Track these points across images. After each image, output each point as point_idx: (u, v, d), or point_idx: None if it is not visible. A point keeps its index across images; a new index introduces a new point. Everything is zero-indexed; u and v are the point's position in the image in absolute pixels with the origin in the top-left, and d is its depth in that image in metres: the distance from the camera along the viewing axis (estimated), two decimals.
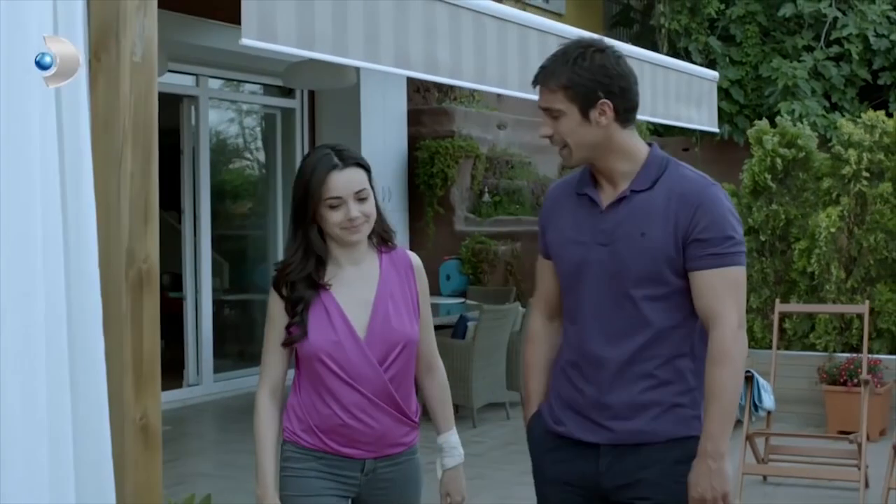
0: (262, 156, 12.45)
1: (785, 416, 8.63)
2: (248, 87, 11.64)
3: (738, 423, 7.04)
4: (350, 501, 3.18)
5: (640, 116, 7.80)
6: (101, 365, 2.70)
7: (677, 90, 8.28)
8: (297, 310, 3.07)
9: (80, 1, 2.69)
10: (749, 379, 6.76)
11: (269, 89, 11.64)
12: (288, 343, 3.11)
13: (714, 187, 2.95)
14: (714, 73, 8.87)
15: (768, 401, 6.81)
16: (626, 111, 2.92)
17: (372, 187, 3.13)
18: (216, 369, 10.57)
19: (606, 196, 2.99)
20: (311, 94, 11.75)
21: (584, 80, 2.86)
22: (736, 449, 7.06)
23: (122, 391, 2.85)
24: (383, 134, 11.94)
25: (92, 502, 2.68)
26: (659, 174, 2.95)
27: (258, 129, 12.41)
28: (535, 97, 3.04)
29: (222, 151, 11.81)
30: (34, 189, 2.54)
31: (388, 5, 4.80)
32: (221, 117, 11.69)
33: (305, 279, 3.09)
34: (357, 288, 3.13)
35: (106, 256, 2.77)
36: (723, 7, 16.36)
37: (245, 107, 12.00)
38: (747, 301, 9.46)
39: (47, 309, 2.57)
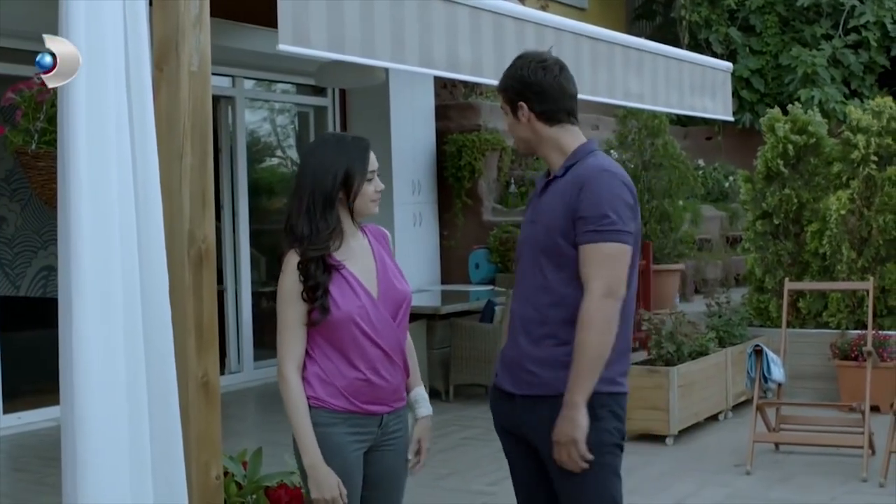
0: (296, 153, 12.82)
1: (800, 391, 8.98)
2: (281, 86, 12.01)
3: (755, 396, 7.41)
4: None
5: (654, 107, 8.26)
6: (169, 330, 3.14)
7: (691, 81, 8.50)
8: (317, 294, 3.34)
9: (145, 19, 3.13)
10: (759, 352, 7.14)
11: (301, 88, 12.01)
12: (313, 324, 3.36)
13: (604, 173, 3.35)
14: (728, 64, 9.14)
15: (777, 373, 7.14)
16: (544, 112, 3.44)
17: None
18: (256, 357, 10.98)
19: (543, 184, 3.52)
20: (343, 92, 12.08)
21: (507, 86, 3.48)
22: (748, 419, 7.45)
23: (186, 352, 3.31)
24: (412, 129, 12.26)
25: (162, 446, 3.13)
26: (573, 163, 3.41)
27: (292, 127, 12.79)
28: None
29: (258, 149, 12.20)
30: (111, 181, 2.99)
31: (413, 9, 5.06)
32: (257, 117, 12.08)
33: (318, 262, 3.35)
34: (361, 258, 3.47)
35: (171, 237, 3.22)
36: None
37: (279, 106, 12.39)
38: (762, 282, 9.96)
39: (123, 282, 3.01)
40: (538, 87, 3.42)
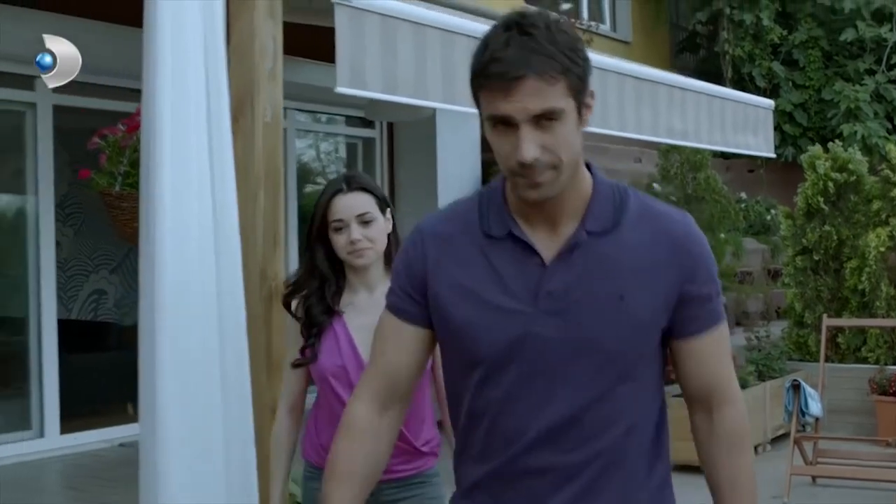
0: None
1: (838, 426, 9.09)
2: (331, 118, 12.29)
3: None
4: None
5: (697, 144, 8.43)
6: (246, 361, 3.36)
7: (734, 119, 8.68)
8: (311, 332, 3.16)
9: (224, 73, 3.38)
10: (796, 387, 7.30)
11: (350, 120, 12.23)
12: (296, 365, 3.22)
13: (691, 221, 2.22)
14: (769, 102, 9.31)
15: (815, 408, 7.31)
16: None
17: (389, 215, 3.21)
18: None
19: (544, 241, 2.13)
20: (391, 124, 12.30)
21: (578, 62, 2.03)
22: (786, 452, 7.59)
23: (259, 382, 3.54)
24: (458, 160, 12.40)
25: (237, 469, 3.35)
26: (620, 206, 2.15)
27: (341, 157, 13.06)
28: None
29: (308, 179, 12.46)
30: (192, 223, 3.24)
31: (463, 52, 5.23)
32: (307, 147, 12.37)
33: (321, 302, 3.16)
34: (369, 314, 2.93)
35: (245, 275, 3.46)
36: (785, 33, 16.75)
37: (328, 137, 12.66)
38: (802, 317, 10.09)
39: (202, 316, 3.25)
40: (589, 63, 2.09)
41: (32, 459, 8.33)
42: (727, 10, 16.32)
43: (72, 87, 8.28)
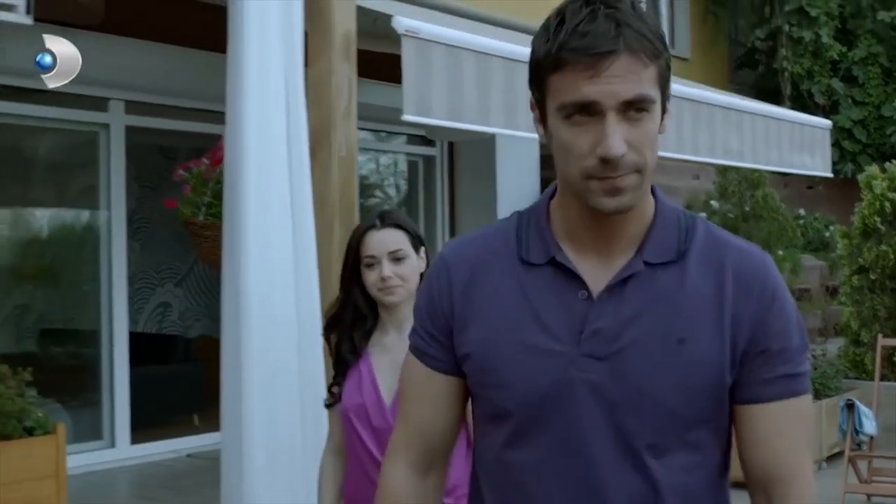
0: (405, 200, 13.30)
1: (893, 444, 9.09)
2: (392, 136, 12.52)
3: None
4: None
5: (754, 165, 8.54)
6: (322, 380, 3.58)
7: (791, 139, 8.79)
8: (338, 370, 3.11)
9: (303, 111, 3.60)
10: (850, 406, 7.40)
11: (411, 139, 12.46)
12: (327, 404, 3.18)
13: (772, 264, 1.80)
14: (827, 122, 9.40)
15: (869, 426, 7.39)
16: None
17: (423, 253, 3.11)
18: None
19: (593, 272, 1.76)
20: (451, 142, 12.47)
21: (665, 49, 1.71)
22: (841, 470, 7.68)
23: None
24: (517, 178, 12.56)
25: (314, 474, 3.55)
26: (686, 236, 1.78)
27: (402, 175, 13.27)
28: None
29: (369, 197, 12.69)
30: (273, 250, 3.47)
31: (523, 79, 5.47)
32: (368, 165, 12.61)
33: (349, 340, 3.09)
34: (396, 352, 2.95)
35: (321, 301, 3.68)
36: (845, 49, 16.76)
37: (389, 156, 12.88)
38: (858, 335, 10.14)
39: (283, 338, 3.49)
40: None
41: (103, 469, 8.59)
42: (786, 27, 16.36)
43: (142, 109, 8.77)
